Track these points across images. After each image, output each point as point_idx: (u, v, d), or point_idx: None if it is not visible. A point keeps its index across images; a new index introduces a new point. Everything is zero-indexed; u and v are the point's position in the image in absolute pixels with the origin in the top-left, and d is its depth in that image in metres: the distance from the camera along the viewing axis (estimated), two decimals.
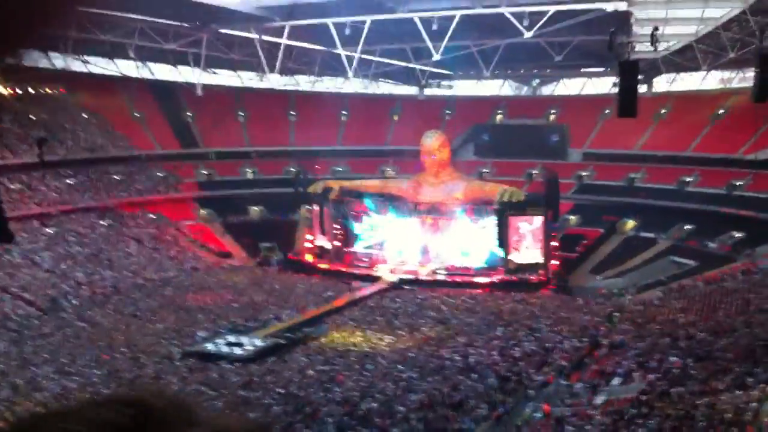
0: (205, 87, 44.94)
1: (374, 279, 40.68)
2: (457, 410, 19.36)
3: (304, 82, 56.21)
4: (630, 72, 22.24)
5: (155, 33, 36.60)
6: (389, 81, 57.05)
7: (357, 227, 45.12)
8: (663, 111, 52.50)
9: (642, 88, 40.45)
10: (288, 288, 37.57)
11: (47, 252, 37.85)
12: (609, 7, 31.45)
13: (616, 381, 20.55)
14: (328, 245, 44.73)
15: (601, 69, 54.48)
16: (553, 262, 41.16)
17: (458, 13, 33.46)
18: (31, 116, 45.17)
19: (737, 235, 40.63)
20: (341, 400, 19.93)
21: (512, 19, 32.73)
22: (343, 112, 60.66)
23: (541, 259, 39.93)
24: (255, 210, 52.15)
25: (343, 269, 42.85)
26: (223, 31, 37.56)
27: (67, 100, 49.71)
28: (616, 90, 23.98)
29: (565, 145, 55.68)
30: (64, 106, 49.08)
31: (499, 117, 60.71)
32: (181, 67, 45.46)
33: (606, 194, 49.43)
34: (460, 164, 49.44)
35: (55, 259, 37.34)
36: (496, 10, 33.07)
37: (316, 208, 45.38)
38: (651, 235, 45.18)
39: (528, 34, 33.58)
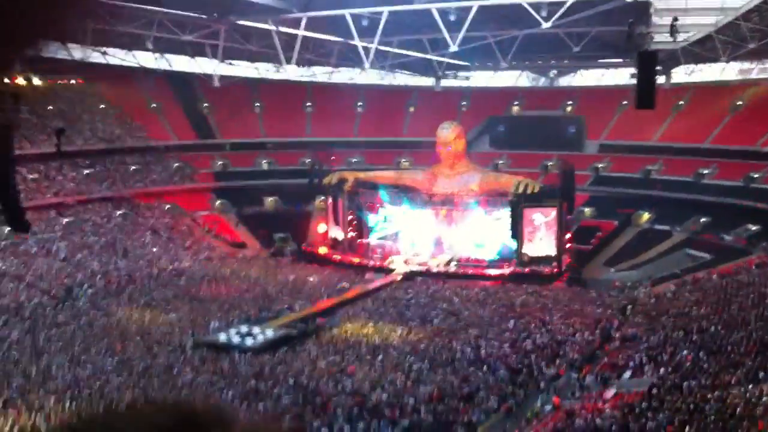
0: (222, 78, 45.02)
1: (387, 270, 40.69)
2: (468, 402, 19.38)
3: (320, 74, 56.22)
4: (649, 63, 22.02)
5: (173, 24, 36.75)
6: (406, 72, 56.73)
7: (371, 218, 45.19)
8: (681, 102, 51.92)
9: (660, 79, 39.83)
10: (301, 279, 37.66)
11: (63, 242, 38.29)
12: None
13: (627, 374, 20.47)
14: (341, 236, 44.85)
15: (620, 60, 53.84)
16: (566, 253, 40.93)
17: (476, 4, 33.15)
18: (49, 107, 45.68)
19: (753, 228, 40.26)
20: (352, 391, 20.01)
21: (530, 9, 32.39)
22: (359, 104, 60.66)
23: (554, 251, 39.75)
24: (270, 201, 52.36)
25: (357, 260, 42.90)
26: (240, 22, 37.64)
27: (85, 91, 50.28)
28: (634, 81, 23.69)
29: (581, 137, 55.30)
30: (82, 97, 49.71)
31: (515, 108, 60.39)
32: (198, 59, 45.63)
33: (622, 186, 49.10)
34: (475, 156, 49.28)
35: (71, 249, 37.75)
36: (514, 0, 32.82)
37: (330, 199, 45.50)
38: (666, 227, 44.86)
39: (546, 25, 33.20)
